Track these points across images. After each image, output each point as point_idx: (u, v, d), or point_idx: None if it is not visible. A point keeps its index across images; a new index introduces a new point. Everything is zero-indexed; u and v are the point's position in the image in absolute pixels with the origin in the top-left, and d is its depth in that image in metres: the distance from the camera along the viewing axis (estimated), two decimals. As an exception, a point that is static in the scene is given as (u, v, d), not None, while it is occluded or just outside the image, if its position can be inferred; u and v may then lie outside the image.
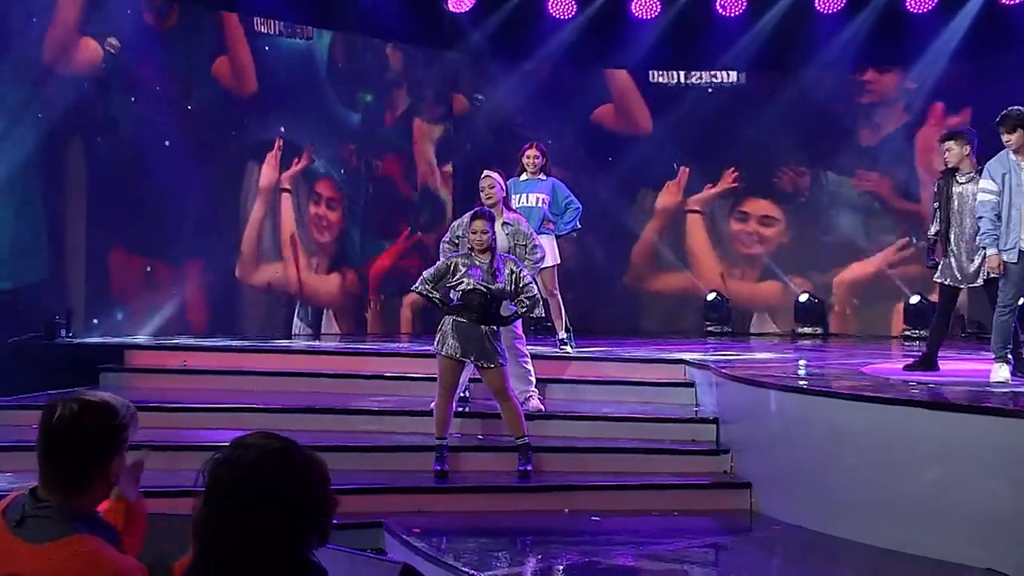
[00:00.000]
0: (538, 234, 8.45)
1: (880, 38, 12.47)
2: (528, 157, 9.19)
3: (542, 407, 7.97)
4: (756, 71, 13.00)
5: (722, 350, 10.71)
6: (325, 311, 12.11)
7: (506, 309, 7.22)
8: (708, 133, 13.04)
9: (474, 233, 7.10)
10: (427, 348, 8.13)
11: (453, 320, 7.09)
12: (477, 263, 7.06)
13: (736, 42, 12.83)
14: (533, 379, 7.99)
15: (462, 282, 7.03)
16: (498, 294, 7.05)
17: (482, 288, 7.00)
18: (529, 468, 7.21)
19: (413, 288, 7.14)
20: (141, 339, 10.28)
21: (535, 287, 7.21)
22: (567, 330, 9.40)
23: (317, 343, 10.57)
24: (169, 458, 6.95)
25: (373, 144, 12.51)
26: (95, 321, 10.42)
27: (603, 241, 13.14)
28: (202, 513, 2.17)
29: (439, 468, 7.17)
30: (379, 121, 12.60)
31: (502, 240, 7.62)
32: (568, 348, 9.28)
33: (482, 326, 7.06)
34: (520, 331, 7.91)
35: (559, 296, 9.20)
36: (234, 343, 10.34)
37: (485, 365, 7.10)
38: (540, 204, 9.06)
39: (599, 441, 7.81)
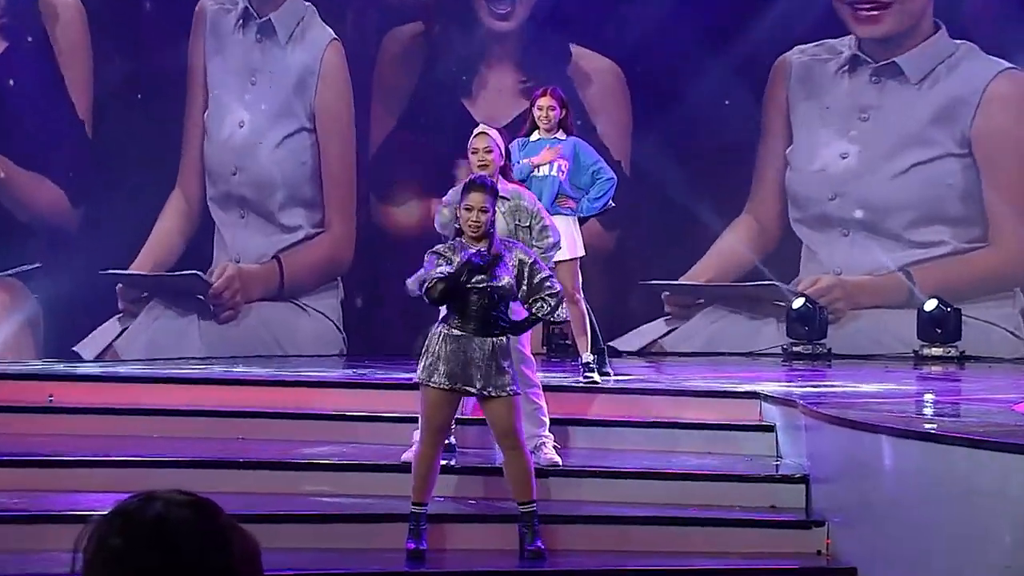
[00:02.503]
0: (552, 214, 8.44)
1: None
2: (540, 108, 9.17)
3: (558, 459, 7.95)
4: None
5: (814, 379, 10.66)
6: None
7: (514, 313, 7.18)
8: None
9: (468, 210, 7.01)
10: (402, 377, 8.09)
11: (445, 334, 7.04)
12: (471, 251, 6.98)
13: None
14: (546, 419, 7.96)
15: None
16: (504, 293, 6.98)
17: (481, 284, 6.91)
18: (541, 546, 7.18)
19: (428, 285, 6.90)
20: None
21: (556, 280, 7.17)
22: (596, 351, 9.35)
23: (245, 369, 10.55)
24: (30, 534, 6.91)
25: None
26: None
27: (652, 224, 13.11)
28: None
29: (413, 547, 7.12)
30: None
31: (499, 223, 7.55)
32: (596, 376, 9.25)
33: (488, 339, 6.99)
34: (528, 351, 7.88)
35: (584, 303, 9.17)
36: (123, 370, 10.30)
37: (492, 393, 7.02)
38: (556, 173, 9.04)
39: (638, 508, 7.78)
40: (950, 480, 6.56)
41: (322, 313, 12.30)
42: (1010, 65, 12.63)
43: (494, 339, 6.99)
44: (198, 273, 11.55)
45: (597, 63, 13.03)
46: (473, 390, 7.02)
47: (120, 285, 11.18)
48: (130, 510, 2.21)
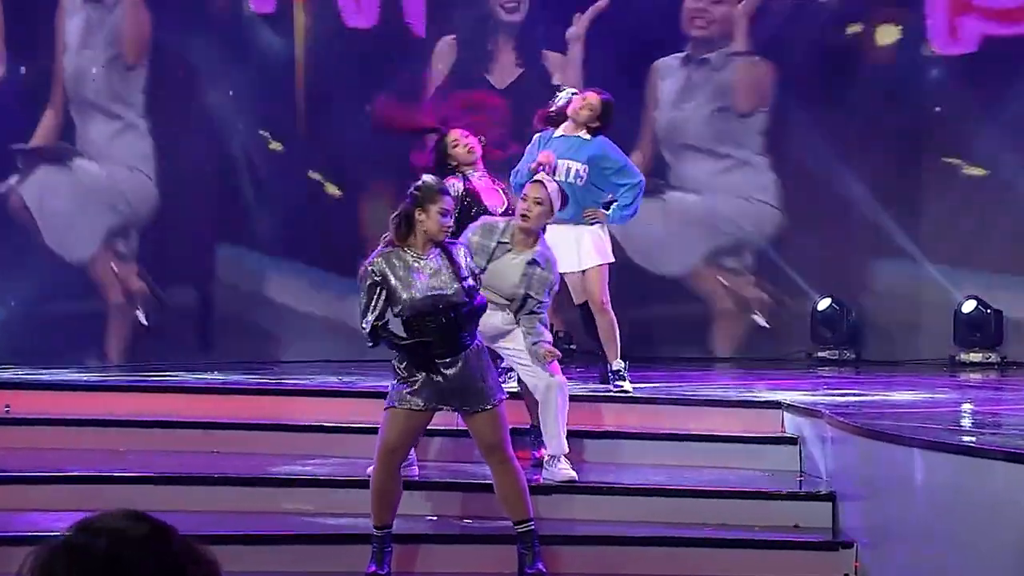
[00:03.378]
0: (575, 224, 8.50)
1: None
2: (584, 98, 9.14)
3: (575, 474, 7.98)
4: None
5: (840, 387, 10.66)
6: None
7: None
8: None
9: (443, 214, 7.07)
10: (382, 385, 8.09)
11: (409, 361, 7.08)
12: (420, 264, 7.02)
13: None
14: (564, 428, 7.95)
15: (405, 299, 6.97)
16: (458, 303, 7.01)
17: (433, 308, 6.97)
18: (542, 569, 7.19)
19: (366, 329, 7.03)
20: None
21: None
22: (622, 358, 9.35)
23: (216, 376, 10.54)
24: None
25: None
26: None
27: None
28: None
29: (374, 569, 7.13)
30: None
31: (512, 278, 7.75)
32: (626, 384, 9.24)
33: (457, 355, 7.03)
34: (549, 334, 7.92)
35: (611, 311, 9.13)
36: (86, 377, 10.30)
37: (475, 409, 7.08)
38: (574, 179, 8.99)
39: (650, 527, 7.80)
40: (989, 498, 6.56)
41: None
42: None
43: (463, 352, 7.04)
44: None
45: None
46: (452, 408, 7.12)
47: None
48: (76, 545, 2.19)
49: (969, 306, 12.50)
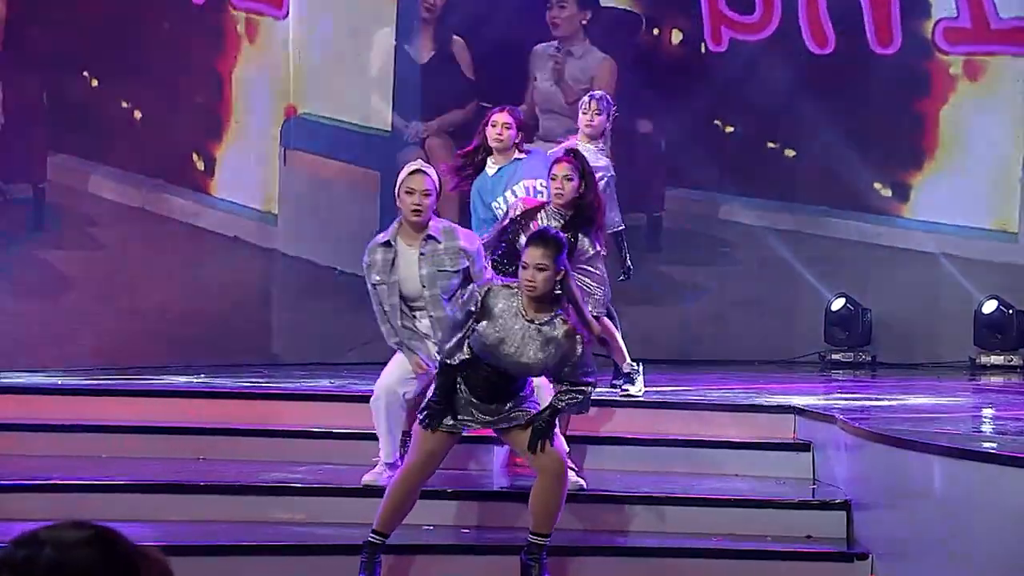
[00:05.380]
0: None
1: None
2: (495, 125, 8.98)
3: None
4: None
5: (855, 391, 10.65)
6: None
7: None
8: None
9: (524, 267, 6.89)
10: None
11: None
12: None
13: None
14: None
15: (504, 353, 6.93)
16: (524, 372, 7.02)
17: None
18: (547, 582, 7.21)
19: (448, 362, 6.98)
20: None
21: (593, 371, 7.12)
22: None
23: (202, 379, 10.54)
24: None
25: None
26: None
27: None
28: None
29: None
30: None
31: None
32: (633, 388, 9.24)
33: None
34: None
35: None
36: (62, 380, 10.29)
37: (511, 425, 7.07)
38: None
39: (655, 538, 7.82)
40: (1012, 507, 6.55)
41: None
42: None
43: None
44: None
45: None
46: (489, 421, 7.08)
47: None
48: (16, 561, 2.18)
49: (990, 306, 12.50)
